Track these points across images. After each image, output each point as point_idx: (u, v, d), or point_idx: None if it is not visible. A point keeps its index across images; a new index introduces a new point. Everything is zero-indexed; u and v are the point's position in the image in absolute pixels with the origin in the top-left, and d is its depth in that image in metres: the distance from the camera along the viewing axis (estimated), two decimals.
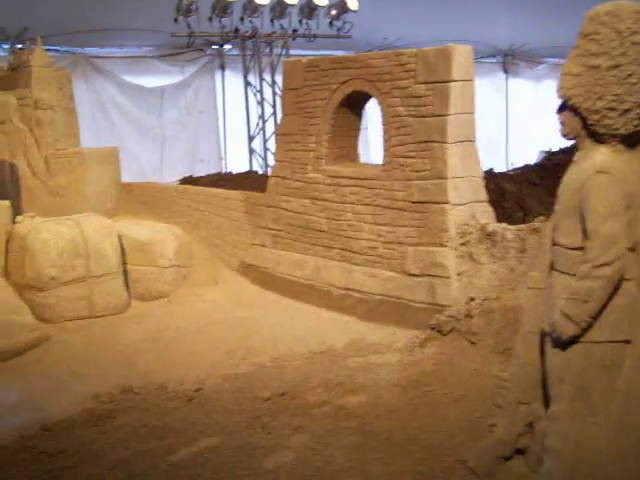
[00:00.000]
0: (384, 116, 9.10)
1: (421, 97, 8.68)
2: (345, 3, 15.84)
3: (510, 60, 22.50)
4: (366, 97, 9.77)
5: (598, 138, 4.45)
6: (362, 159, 10.52)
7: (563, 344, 4.50)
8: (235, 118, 17.56)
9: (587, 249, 4.33)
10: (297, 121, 10.15)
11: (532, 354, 5.24)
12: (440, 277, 8.49)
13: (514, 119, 22.45)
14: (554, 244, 4.70)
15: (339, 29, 16.32)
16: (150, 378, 7.71)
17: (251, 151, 16.52)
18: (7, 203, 9.84)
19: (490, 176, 13.11)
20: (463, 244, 8.54)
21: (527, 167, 16.02)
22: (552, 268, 4.73)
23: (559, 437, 4.55)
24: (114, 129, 16.22)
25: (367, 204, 9.28)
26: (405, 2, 17.98)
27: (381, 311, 8.88)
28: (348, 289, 9.30)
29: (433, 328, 8.07)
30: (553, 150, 18.74)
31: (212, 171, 16.23)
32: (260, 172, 15.82)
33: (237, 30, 15.49)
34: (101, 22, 15.10)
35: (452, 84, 8.45)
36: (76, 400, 7.25)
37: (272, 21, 15.72)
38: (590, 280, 4.28)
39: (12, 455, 6.06)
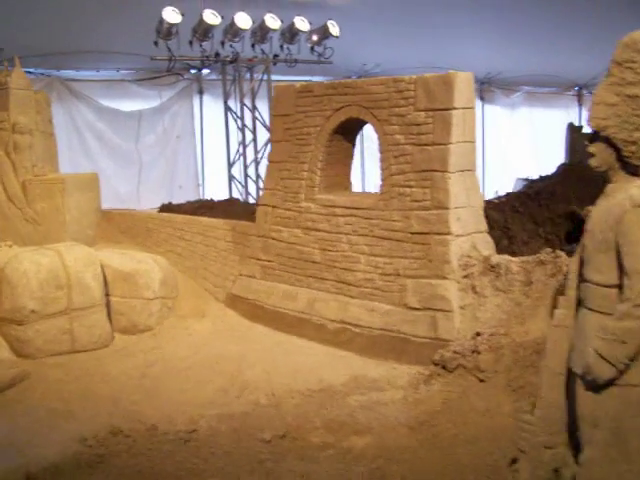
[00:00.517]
0: (382, 144, 8.82)
1: (421, 125, 8.42)
2: (327, 28, 15.58)
3: (486, 87, 22.45)
4: (360, 124, 9.51)
5: (633, 170, 4.21)
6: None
7: (597, 387, 4.28)
8: (213, 144, 17.18)
9: (626, 287, 4.11)
10: (288, 148, 9.83)
11: (558, 396, 4.99)
12: (442, 311, 8.20)
13: (490, 146, 22.37)
14: (583, 280, 4.45)
15: (320, 54, 16.05)
16: (139, 418, 7.30)
17: (231, 178, 16.12)
18: None
19: None
20: (466, 276, 8.26)
21: (510, 195, 15.81)
22: (581, 305, 4.47)
23: None
24: (90, 154, 15.74)
25: (363, 234, 8.97)
26: (383, 29, 17.82)
27: (380, 346, 8.55)
28: (344, 323, 8.96)
29: (437, 364, 7.76)
30: (532, 178, 18.67)
31: (189, 197, 15.78)
32: (241, 199, 15.41)
33: (218, 54, 15.14)
34: (78, 44, 14.66)
35: (454, 112, 8.22)
36: (62, 443, 6.81)
37: (253, 46, 15.39)
38: (630, 320, 4.06)
39: None
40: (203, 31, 14.45)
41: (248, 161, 16.09)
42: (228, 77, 16.06)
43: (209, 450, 6.55)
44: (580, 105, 24.71)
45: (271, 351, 8.92)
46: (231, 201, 13.79)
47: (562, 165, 18.63)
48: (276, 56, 15.87)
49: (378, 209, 8.83)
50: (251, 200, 15.80)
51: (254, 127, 16.14)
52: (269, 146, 16.13)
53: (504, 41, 19.95)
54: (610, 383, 4.19)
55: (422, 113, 8.40)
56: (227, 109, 15.98)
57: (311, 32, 15.76)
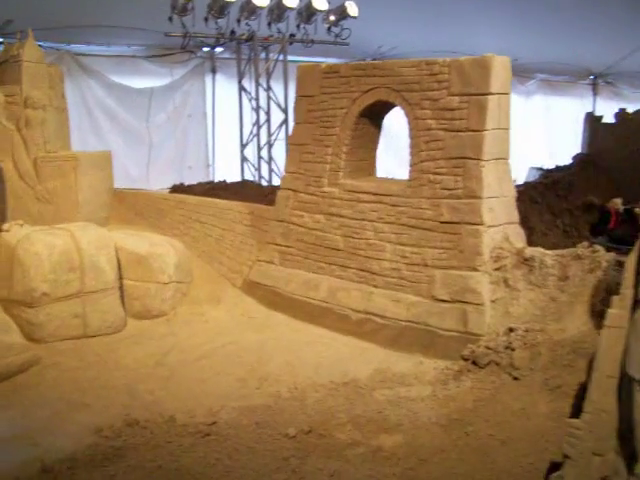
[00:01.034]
0: (412, 129, 8.47)
1: (454, 110, 8.08)
2: (345, 9, 15.20)
3: None
4: (388, 107, 9.15)
5: None
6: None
7: None
8: (225, 124, 16.78)
9: None
10: (311, 130, 9.47)
11: (609, 400, 4.74)
12: (472, 304, 7.87)
13: None
14: None
15: (337, 35, 15.66)
16: (156, 409, 7.00)
17: (243, 159, 15.75)
18: None
19: None
20: (497, 269, 7.94)
21: (527, 185, 15.51)
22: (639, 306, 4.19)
23: None
24: (99, 131, 15.35)
25: (390, 222, 8.63)
26: (400, 12, 17.44)
27: (405, 338, 8.23)
28: (368, 313, 8.63)
29: (467, 359, 7.49)
30: (547, 167, 18.36)
31: (199, 178, 15.45)
32: (254, 181, 15.06)
33: (233, 32, 14.75)
34: (89, 18, 14.25)
35: (490, 97, 7.87)
36: (76, 434, 6.54)
37: (269, 24, 15.01)
38: None
39: None
40: (219, 8, 14.07)
41: (261, 143, 15.69)
42: (243, 56, 15.65)
43: (231, 445, 6.27)
44: (595, 94, 24.33)
45: (291, 341, 8.60)
46: (244, 183, 13.44)
47: (579, 155, 18.34)
48: (292, 35, 15.48)
49: (406, 196, 8.49)
50: (264, 182, 15.45)
51: (268, 108, 15.77)
52: (283, 128, 15.98)
53: (520, 27, 19.62)
54: None
55: (456, 97, 8.05)
56: (241, 89, 15.59)
57: (329, 12, 15.37)
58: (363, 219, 8.88)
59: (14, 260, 8.54)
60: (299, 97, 9.71)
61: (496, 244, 8.01)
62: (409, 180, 8.54)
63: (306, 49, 16.05)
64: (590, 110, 21.57)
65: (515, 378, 6.97)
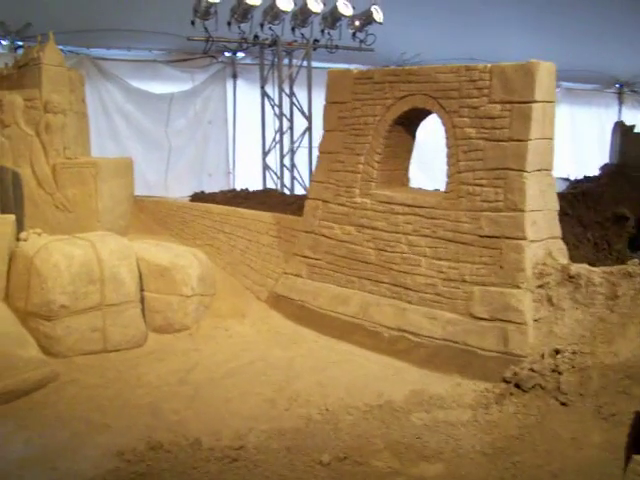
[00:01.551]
0: (449, 138, 8.08)
1: (495, 118, 7.68)
2: (370, 14, 14.84)
3: None
4: (423, 115, 8.76)
5: None
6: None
7: None
8: (245, 130, 16.44)
9: None
10: (342, 138, 9.08)
11: None
12: (514, 323, 7.46)
13: None
14: None
15: (362, 41, 15.29)
16: (181, 430, 6.62)
17: (265, 167, 15.38)
18: (12, 218, 8.68)
19: None
20: (540, 286, 7.54)
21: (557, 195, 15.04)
22: None
23: None
24: (117, 137, 15.03)
25: (425, 235, 8.23)
26: (424, 19, 17.15)
27: (442, 358, 7.82)
28: (401, 330, 8.22)
29: (508, 382, 7.07)
30: (575, 178, 17.91)
31: (219, 186, 15.11)
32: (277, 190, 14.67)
33: (256, 37, 14.40)
34: (109, 22, 13.98)
35: (534, 105, 7.47)
36: (97, 458, 6.17)
37: (293, 29, 14.65)
38: None
39: None
40: (242, 12, 13.73)
41: (284, 150, 15.31)
42: (265, 62, 15.30)
43: (261, 472, 5.90)
44: (621, 103, 23.87)
45: (320, 358, 8.20)
46: (267, 192, 13.04)
47: (607, 165, 17.86)
48: (316, 41, 15.12)
49: (443, 208, 8.09)
50: (286, 191, 15.07)
51: (291, 115, 15.40)
52: (306, 135, 15.61)
53: (545, 34, 19.27)
54: None
55: (497, 105, 7.65)
56: (264, 95, 15.23)
57: (354, 17, 15.00)
58: (397, 232, 8.48)
59: (32, 271, 8.19)
60: (329, 104, 9.33)
61: (539, 260, 7.60)
62: (446, 192, 8.14)
63: (329, 55, 15.70)
64: (616, 119, 21.14)
65: (563, 404, 6.56)
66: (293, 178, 15.48)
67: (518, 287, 7.51)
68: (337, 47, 15.23)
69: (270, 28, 14.43)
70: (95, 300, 8.31)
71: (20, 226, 9.22)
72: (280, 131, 15.18)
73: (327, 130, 9.36)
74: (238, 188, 14.43)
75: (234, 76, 16.48)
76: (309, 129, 15.35)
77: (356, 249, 8.90)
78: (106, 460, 6.08)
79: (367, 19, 15.04)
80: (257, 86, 15.85)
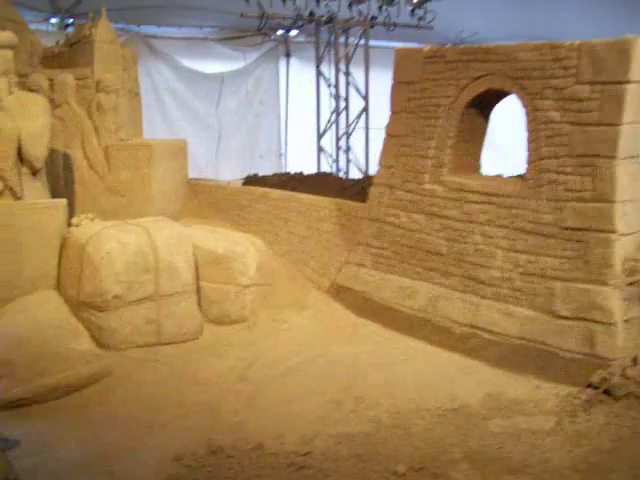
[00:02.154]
0: (530, 121, 7.49)
1: (583, 101, 7.07)
2: None
3: None
4: (499, 97, 8.18)
5: None
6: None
7: None
8: (298, 111, 15.94)
9: None
10: (411, 121, 8.54)
11: None
12: (601, 323, 6.87)
13: None
14: None
15: (420, 18, 14.68)
16: (241, 432, 6.19)
17: (319, 149, 14.86)
18: (64, 202, 8.30)
19: None
20: (631, 284, 6.93)
21: None
22: None
23: None
24: (167, 117, 14.63)
25: (502, 226, 7.67)
26: None
27: (518, 358, 7.28)
28: (474, 327, 7.69)
29: (595, 387, 6.50)
30: None
31: (270, 168, 14.66)
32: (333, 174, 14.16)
33: (312, 14, 13.86)
34: None
35: (628, 86, 6.83)
36: (154, 461, 5.77)
37: (350, 5, 14.09)
38: None
39: None
40: None
41: (339, 132, 14.78)
42: (320, 40, 14.76)
43: None
44: None
45: (387, 355, 7.71)
46: (323, 175, 12.51)
47: None
48: (374, 18, 14.54)
49: (522, 197, 7.52)
50: (341, 174, 14.57)
51: (347, 95, 14.87)
52: (363, 116, 15.08)
53: (608, 9, 18.51)
54: None
55: (586, 86, 7.04)
56: (319, 74, 14.70)
57: None
58: (470, 221, 7.93)
59: (84, 259, 7.82)
60: (397, 84, 8.78)
61: (629, 255, 7.01)
62: (525, 179, 7.57)
63: (384, 33, 15.16)
64: None
65: None
66: (348, 161, 14.95)
67: (606, 284, 6.92)
68: (395, 25, 14.66)
69: (326, 4, 13.88)
70: (149, 290, 7.92)
71: (71, 210, 8.88)
72: (336, 112, 14.65)
73: (394, 112, 8.82)
74: (290, 171, 13.97)
75: (287, 55, 15.96)
76: (366, 110, 14.80)
77: (425, 239, 8.37)
78: (165, 465, 5.69)
79: None
80: (310, 65, 15.36)
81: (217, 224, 10.04)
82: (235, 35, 14.92)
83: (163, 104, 14.68)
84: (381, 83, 15.53)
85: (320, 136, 15.07)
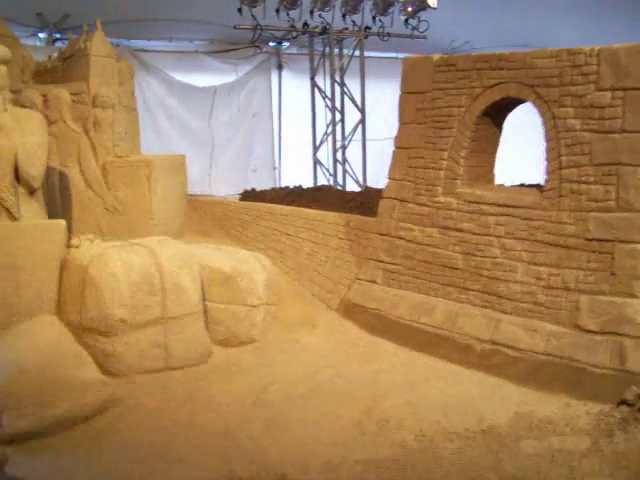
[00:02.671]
0: (549, 130, 7.26)
1: (605, 107, 6.84)
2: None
3: None
4: (512, 105, 7.95)
5: None
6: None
7: None
8: (291, 124, 15.67)
9: None
10: (421, 131, 8.29)
11: None
12: (631, 337, 6.62)
13: None
14: None
15: (414, 28, 14.47)
16: (262, 460, 5.88)
17: (316, 162, 14.59)
18: (63, 223, 7.95)
19: None
20: None
21: None
22: None
23: None
24: (159, 132, 14.30)
25: (521, 238, 7.42)
26: (472, 5, 16.33)
27: (544, 375, 7.00)
28: (496, 343, 7.40)
29: (630, 404, 6.23)
30: None
31: (264, 182, 14.38)
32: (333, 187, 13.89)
33: (306, 25, 13.61)
34: (149, 11, 13.34)
35: None
36: None
37: (344, 16, 13.86)
38: None
39: None
40: None
41: (337, 144, 14.53)
42: (316, 51, 14.52)
43: None
44: None
45: (406, 374, 7.42)
46: (322, 188, 12.23)
47: None
48: (368, 28, 14.32)
49: (542, 208, 7.28)
50: (339, 187, 14.30)
51: (342, 107, 14.61)
52: (359, 128, 14.84)
53: (599, 19, 18.42)
54: None
55: (607, 93, 6.81)
56: (314, 86, 14.44)
57: (406, 3, 14.20)
58: (488, 234, 7.67)
59: (86, 281, 7.47)
60: (406, 94, 8.53)
61: None
62: (545, 189, 7.32)
63: (378, 44, 14.92)
64: None
65: None
66: (345, 173, 14.69)
67: (635, 296, 6.68)
68: (389, 35, 14.43)
69: (320, 15, 13.63)
70: (156, 313, 7.58)
71: (69, 231, 8.50)
72: (333, 124, 14.40)
73: (403, 123, 8.56)
74: (284, 184, 13.71)
75: (279, 67, 15.68)
76: (362, 121, 14.55)
77: (440, 253, 8.10)
78: None
79: (420, 4, 14.23)
80: (303, 77, 15.12)
81: (220, 241, 9.74)
82: (226, 48, 14.65)
83: (154, 118, 14.36)
84: (376, 94, 15.37)
85: (316, 149, 14.81)
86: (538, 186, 8.12)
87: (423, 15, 14.55)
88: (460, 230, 7.92)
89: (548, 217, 7.22)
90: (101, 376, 7.20)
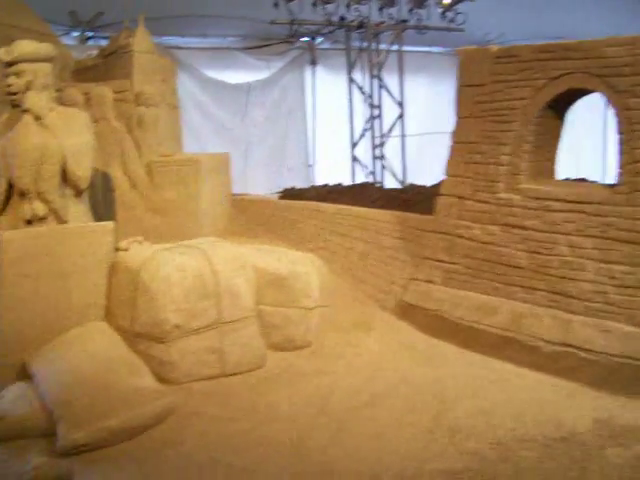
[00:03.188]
0: (622, 122, 6.92)
1: None
2: None
3: None
4: (576, 96, 7.62)
5: None
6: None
7: None
8: (326, 121, 15.38)
9: None
10: (480, 126, 7.98)
11: None
12: None
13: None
14: None
15: (451, 20, 14.16)
16: (333, 474, 5.56)
17: (354, 159, 14.29)
18: (111, 225, 7.68)
19: None
20: None
21: None
22: None
23: None
24: (192, 130, 14.02)
25: (592, 235, 7.09)
26: None
27: (622, 378, 6.67)
28: (566, 345, 7.08)
29: None
30: None
31: (298, 180, 14.10)
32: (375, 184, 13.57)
33: (343, 19, 13.31)
34: (182, 8, 13.06)
35: None
36: None
37: (381, 9, 13.55)
38: None
39: None
40: None
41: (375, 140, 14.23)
42: (353, 46, 14.24)
43: None
44: None
45: (472, 378, 7.10)
46: (364, 186, 11.92)
47: None
48: (404, 21, 14.02)
49: (614, 204, 6.94)
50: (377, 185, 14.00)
51: (379, 102, 14.31)
52: (398, 123, 14.54)
53: (633, 9, 18.07)
54: None
55: None
56: (351, 81, 14.14)
57: None
58: (554, 232, 7.35)
59: (138, 286, 7.20)
60: (463, 87, 8.23)
61: None
62: (618, 185, 7.00)
63: (414, 38, 14.62)
64: None
65: None
66: (383, 168, 14.39)
67: None
68: (426, 27, 14.11)
69: (356, 9, 13.34)
70: (211, 317, 7.31)
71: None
72: (372, 120, 14.09)
73: (461, 117, 8.25)
74: (318, 182, 13.43)
75: (313, 62, 15.38)
76: (401, 116, 14.25)
77: (502, 252, 7.79)
78: None
79: None
80: (337, 73, 14.87)
81: (267, 242, 9.47)
82: (259, 44, 14.38)
83: (188, 117, 14.09)
84: (410, 89, 15.08)
85: (354, 145, 14.50)
86: (583, 180, 7.84)
87: (460, 7, 14.20)
88: (524, 228, 7.60)
89: (622, 213, 6.88)
90: (156, 384, 6.93)
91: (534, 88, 7.51)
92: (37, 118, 7.39)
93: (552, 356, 7.14)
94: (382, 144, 14.30)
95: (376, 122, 14.33)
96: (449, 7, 13.97)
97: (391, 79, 14.44)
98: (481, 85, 7.96)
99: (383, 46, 14.35)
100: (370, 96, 14.08)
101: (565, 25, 16.55)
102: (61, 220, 7.54)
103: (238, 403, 6.83)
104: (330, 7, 12.85)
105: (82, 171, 7.64)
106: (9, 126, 7.55)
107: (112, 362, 6.84)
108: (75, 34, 12.81)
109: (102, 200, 8.87)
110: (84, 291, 7.39)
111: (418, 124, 14.66)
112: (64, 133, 7.50)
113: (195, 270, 7.35)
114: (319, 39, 15.07)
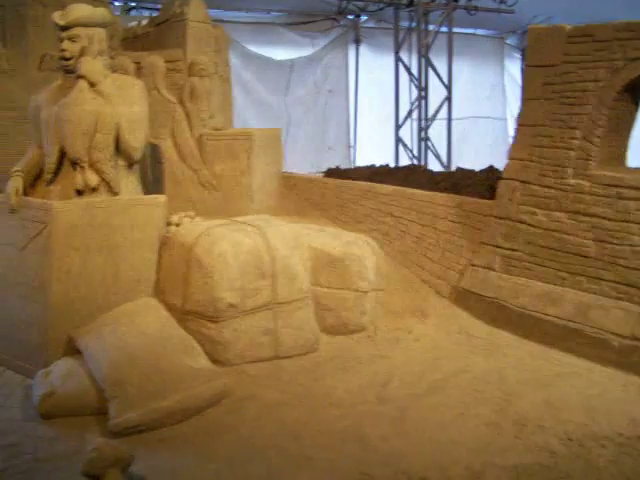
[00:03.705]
0: None
1: None
2: None
3: None
4: None
5: None
6: None
7: None
8: (368, 101, 15.06)
9: None
10: (549, 108, 7.66)
11: None
12: None
13: None
14: None
15: (502, 1, 13.80)
16: (397, 463, 5.34)
17: (398, 140, 13.98)
18: (163, 198, 7.44)
19: None
20: None
21: None
22: None
23: None
24: (235, 107, 13.73)
25: None
26: None
27: None
28: (638, 339, 6.79)
29: None
30: None
31: (338, 161, 13.80)
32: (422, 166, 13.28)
33: None
34: None
35: None
36: None
37: None
38: None
39: None
40: None
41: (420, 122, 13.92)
42: (401, 25, 13.90)
43: None
44: None
45: (537, 370, 6.83)
46: (411, 168, 11.60)
47: None
48: (455, 1, 13.67)
49: None
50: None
51: (426, 83, 13.99)
52: (445, 106, 14.22)
53: None
54: None
55: None
56: (398, 61, 13.82)
57: None
58: (626, 220, 7.03)
59: (191, 262, 6.98)
60: (531, 67, 7.90)
61: None
62: None
63: (461, 19, 14.25)
64: None
65: None
66: (427, 150, 14.08)
67: None
68: (476, 8, 13.75)
69: None
70: (266, 297, 7.08)
71: None
72: (419, 101, 13.78)
73: (528, 99, 7.92)
74: (359, 163, 13.16)
75: (357, 41, 15.04)
76: (449, 99, 13.92)
77: (568, 239, 7.48)
78: None
79: None
80: (381, 52, 14.57)
81: (319, 222, 9.19)
82: (303, 20, 14.06)
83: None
84: (456, 71, 14.73)
85: (399, 127, 14.20)
86: None
87: None
88: (593, 215, 7.28)
89: None
90: (211, 365, 6.70)
91: (610, 70, 7.17)
92: (92, 84, 7.14)
93: (622, 350, 6.83)
94: (428, 127, 14.00)
95: (424, 104, 14.02)
96: None
97: (437, 61, 14.10)
98: (552, 66, 7.62)
99: (431, 27, 14.00)
100: (419, 77, 13.75)
101: (616, 8, 16.13)
102: (113, 192, 7.31)
103: (293, 388, 6.60)
104: None
105: (137, 142, 7.39)
106: (62, 93, 7.30)
107: (164, 340, 6.61)
108: (117, 3, 12.54)
109: (150, 172, 8.65)
110: (134, 266, 7.16)
111: (459, 108, 14.32)
112: (119, 101, 7.25)
113: (251, 248, 7.11)
114: (364, 17, 14.77)
